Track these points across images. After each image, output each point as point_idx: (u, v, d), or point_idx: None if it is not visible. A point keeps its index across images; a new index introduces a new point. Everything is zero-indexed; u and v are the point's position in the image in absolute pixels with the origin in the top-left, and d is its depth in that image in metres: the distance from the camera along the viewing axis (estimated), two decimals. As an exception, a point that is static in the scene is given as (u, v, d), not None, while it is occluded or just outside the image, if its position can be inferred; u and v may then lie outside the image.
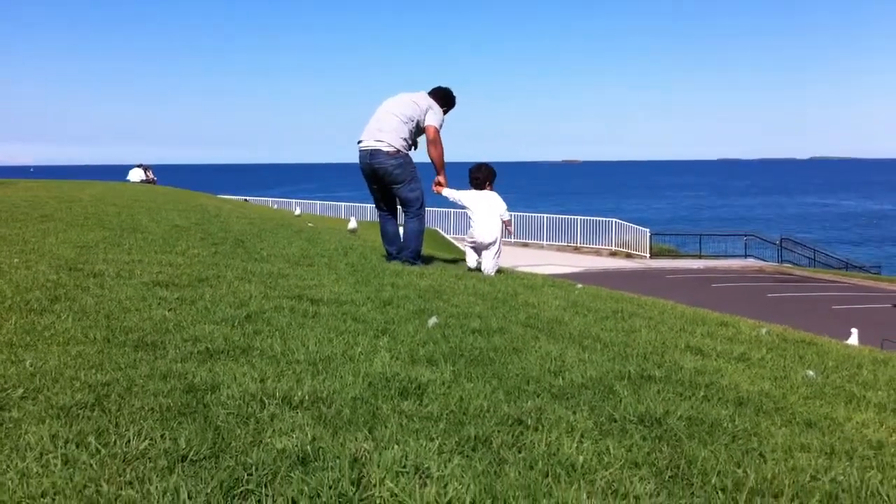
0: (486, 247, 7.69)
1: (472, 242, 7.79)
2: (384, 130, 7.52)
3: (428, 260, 8.33)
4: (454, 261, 8.73)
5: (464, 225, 34.82)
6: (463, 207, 7.91)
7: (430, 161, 7.76)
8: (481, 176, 7.87)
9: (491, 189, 7.92)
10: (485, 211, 7.69)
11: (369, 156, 7.55)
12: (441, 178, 7.87)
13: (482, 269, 7.65)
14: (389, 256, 7.89)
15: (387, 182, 7.66)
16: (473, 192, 7.85)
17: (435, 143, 7.60)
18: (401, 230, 8.01)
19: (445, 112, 7.92)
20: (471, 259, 7.80)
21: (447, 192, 7.89)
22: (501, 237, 7.77)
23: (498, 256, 7.78)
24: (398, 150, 7.53)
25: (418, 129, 7.69)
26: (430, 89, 7.92)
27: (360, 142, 7.67)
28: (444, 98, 7.93)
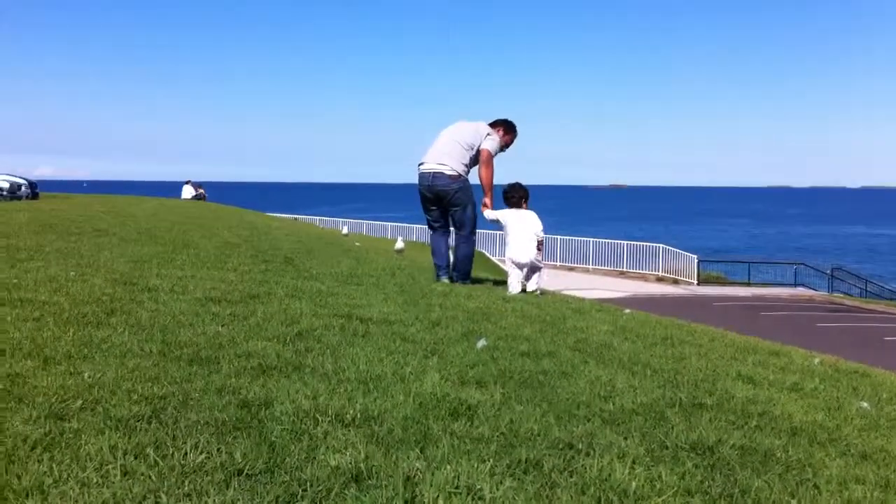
0: (523, 266, 7.77)
1: (510, 262, 7.88)
2: (447, 154, 7.91)
3: (475, 281, 8.37)
4: (500, 282, 8.75)
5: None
6: (500, 227, 8.03)
7: (479, 182, 8.01)
8: (516, 195, 8.03)
9: (526, 208, 8.04)
10: (521, 230, 7.80)
11: (432, 178, 7.89)
12: (487, 200, 8.05)
13: (526, 288, 7.71)
14: (439, 270, 8.10)
15: (447, 204, 7.98)
16: (511, 211, 7.98)
17: (487, 164, 7.87)
18: (450, 253, 8.24)
19: (509, 141, 8.23)
20: (513, 285, 7.78)
21: (488, 212, 8.06)
22: (539, 256, 7.82)
23: (539, 275, 7.86)
24: (459, 175, 7.88)
25: (477, 156, 7.96)
26: (491, 121, 8.24)
27: (421, 164, 7.99)
28: (506, 127, 8.25)
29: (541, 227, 7.85)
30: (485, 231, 34.70)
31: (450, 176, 7.81)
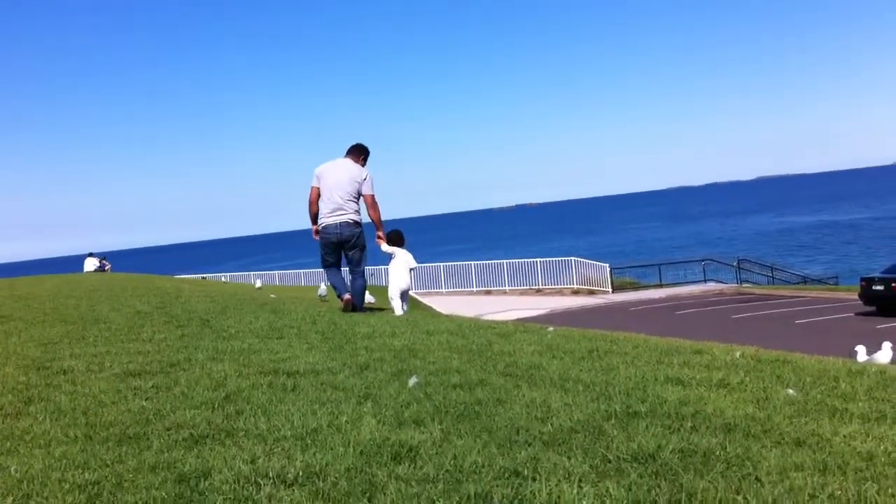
0: (405, 290, 9.89)
1: (396, 288, 9.80)
2: (346, 207, 9.40)
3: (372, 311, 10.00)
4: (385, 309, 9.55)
5: (424, 284, 35.07)
6: (390, 259, 9.99)
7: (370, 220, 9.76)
8: (397, 238, 10.04)
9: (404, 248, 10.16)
10: (401, 264, 9.86)
11: (339, 227, 9.42)
12: (381, 234, 9.87)
13: (402, 309, 9.69)
14: (341, 293, 9.57)
15: (349, 247, 9.56)
16: (397, 248, 9.99)
17: (374, 207, 9.59)
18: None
19: (365, 161, 9.76)
20: (397, 308, 9.72)
21: (385, 246, 9.95)
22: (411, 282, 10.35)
23: (407, 296, 10.13)
24: (359, 222, 9.53)
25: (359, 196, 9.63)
26: (349, 148, 9.66)
27: (327, 217, 9.43)
28: (364, 153, 9.75)
29: (414, 262, 10.01)
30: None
31: (353, 224, 9.46)
